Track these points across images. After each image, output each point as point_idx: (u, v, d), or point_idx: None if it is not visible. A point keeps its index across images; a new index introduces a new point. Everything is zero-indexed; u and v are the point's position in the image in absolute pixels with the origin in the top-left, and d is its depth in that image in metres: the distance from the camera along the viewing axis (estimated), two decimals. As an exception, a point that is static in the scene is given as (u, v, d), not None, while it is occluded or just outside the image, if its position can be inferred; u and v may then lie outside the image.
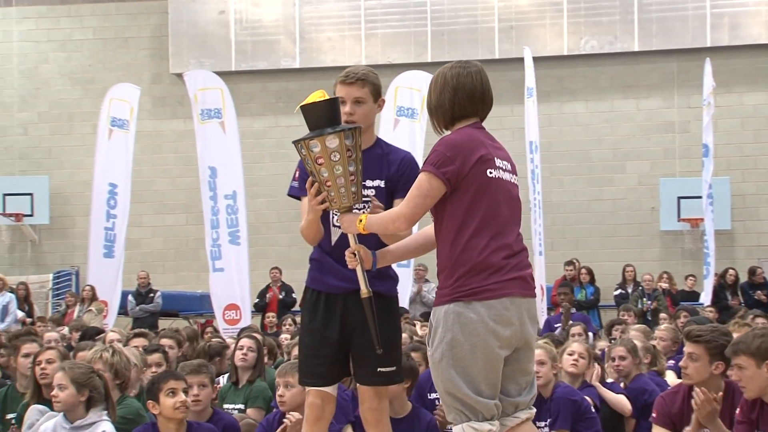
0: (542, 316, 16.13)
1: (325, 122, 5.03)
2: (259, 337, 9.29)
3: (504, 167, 4.90)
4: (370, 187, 5.39)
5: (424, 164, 4.83)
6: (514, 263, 4.80)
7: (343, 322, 5.41)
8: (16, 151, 24.09)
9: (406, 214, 4.85)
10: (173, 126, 23.18)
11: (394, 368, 5.44)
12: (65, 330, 14.40)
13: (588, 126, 22.54)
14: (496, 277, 4.73)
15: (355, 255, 5.12)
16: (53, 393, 6.40)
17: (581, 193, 22.37)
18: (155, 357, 8.33)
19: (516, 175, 5.00)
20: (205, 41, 23.29)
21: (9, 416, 7.57)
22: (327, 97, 5.10)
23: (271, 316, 17.37)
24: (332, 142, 4.99)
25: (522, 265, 4.85)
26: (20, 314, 19.06)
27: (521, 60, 17.51)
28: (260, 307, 19.21)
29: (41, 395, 7.16)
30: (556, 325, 15.35)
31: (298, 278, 19.90)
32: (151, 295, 19.53)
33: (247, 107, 22.00)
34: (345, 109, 5.33)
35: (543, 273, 16.59)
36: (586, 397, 7.47)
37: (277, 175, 21.58)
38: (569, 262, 19.57)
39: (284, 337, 12.09)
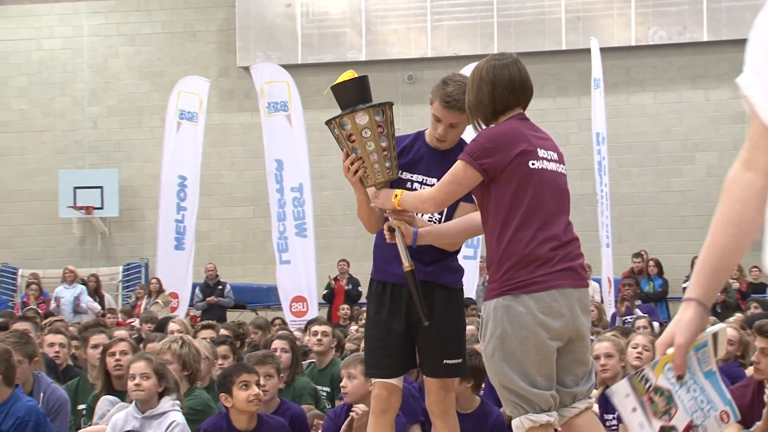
0: (610, 309, 16.03)
1: (355, 101, 5.05)
2: (327, 328, 9.29)
3: (549, 157, 4.84)
4: None
5: (462, 153, 4.82)
6: (563, 254, 4.75)
7: (408, 314, 5.40)
8: (87, 144, 24.37)
9: (436, 198, 4.88)
10: (240, 119, 23.34)
11: (459, 360, 5.42)
12: (135, 321, 14.55)
13: (656, 117, 22.35)
14: (544, 269, 4.69)
15: (392, 231, 5.15)
16: (136, 382, 6.41)
17: (649, 185, 22.19)
18: (222, 349, 8.36)
19: (563, 164, 4.94)
20: (271, 34, 23.40)
21: (80, 407, 7.64)
22: (356, 76, 5.11)
23: (345, 308, 17.36)
24: (362, 118, 5.02)
25: (572, 255, 4.79)
26: (97, 307, 19.17)
27: (588, 51, 17.40)
28: (328, 298, 19.28)
29: (111, 386, 7.22)
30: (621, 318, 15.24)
31: (364, 271, 19.94)
32: (220, 287, 19.58)
33: (314, 100, 22.03)
34: (438, 130, 5.32)
35: (610, 265, 16.49)
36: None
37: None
38: (637, 254, 19.43)
39: (353, 329, 12.07)
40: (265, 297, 21.07)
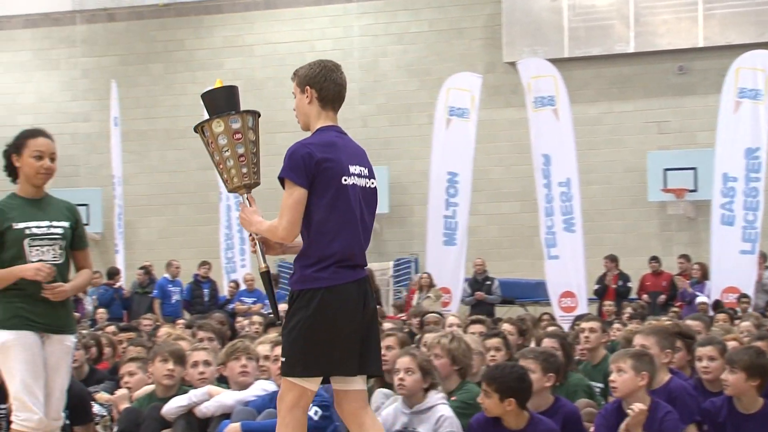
0: None
1: (221, 109, 5.37)
2: (594, 324, 9.19)
3: None
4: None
5: None
6: None
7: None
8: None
9: None
10: (507, 114, 23.33)
11: (283, 358, 5.33)
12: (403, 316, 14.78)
13: None
14: None
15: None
16: (400, 377, 6.55)
17: None
18: (494, 341, 8.40)
19: None
20: (538, 29, 23.31)
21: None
22: (223, 85, 5.45)
23: (608, 305, 17.10)
24: (218, 126, 5.33)
25: None
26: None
27: None
28: (599, 293, 18.97)
29: (383, 380, 7.33)
30: None
31: (633, 266, 19.65)
32: (488, 282, 19.60)
33: (581, 94, 21.86)
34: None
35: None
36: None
37: (612, 161, 21.36)
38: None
39: (617, 327, 11.73)
40: (533, 292, 21.00)
